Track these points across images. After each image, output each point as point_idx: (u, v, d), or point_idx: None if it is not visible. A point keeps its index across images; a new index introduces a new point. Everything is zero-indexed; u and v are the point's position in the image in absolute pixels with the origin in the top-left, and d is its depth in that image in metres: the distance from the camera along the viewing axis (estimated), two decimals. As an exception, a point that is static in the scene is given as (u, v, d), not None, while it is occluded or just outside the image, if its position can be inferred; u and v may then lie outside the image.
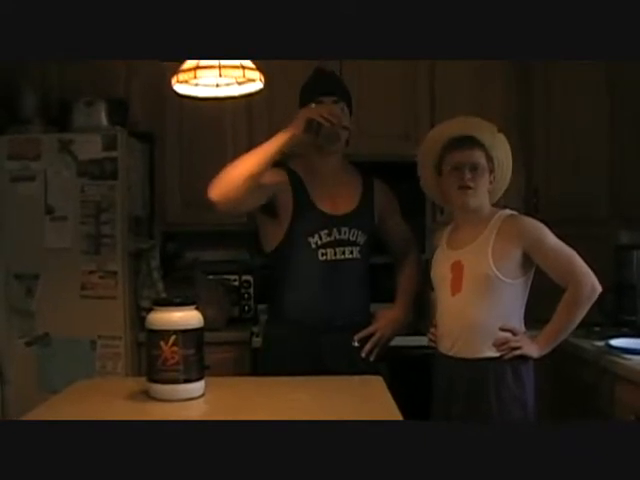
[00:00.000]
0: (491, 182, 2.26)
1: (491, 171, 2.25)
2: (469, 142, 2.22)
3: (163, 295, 3.08)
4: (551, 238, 2.17)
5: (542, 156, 3.31)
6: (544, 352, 2.20)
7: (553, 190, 3.27)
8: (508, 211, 2.27)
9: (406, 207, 2.58)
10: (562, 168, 3.25)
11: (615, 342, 2.63)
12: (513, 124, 3.27)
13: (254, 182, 2.19)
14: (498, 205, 2.33)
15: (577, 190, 3.19)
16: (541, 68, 3.28)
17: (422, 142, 2.34)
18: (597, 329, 2.92)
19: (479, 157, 2.21)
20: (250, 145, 3.21)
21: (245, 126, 3.32)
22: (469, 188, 2.18)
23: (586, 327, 2.79)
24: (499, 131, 2.29)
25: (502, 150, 2.28)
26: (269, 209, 2.36)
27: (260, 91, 2.09)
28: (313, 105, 2.29)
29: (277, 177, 2.32)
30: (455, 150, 2.22)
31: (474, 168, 2.19)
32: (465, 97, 3.27)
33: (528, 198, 3.31)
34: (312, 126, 2.21)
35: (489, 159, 2.23)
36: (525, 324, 2.26)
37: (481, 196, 2.23)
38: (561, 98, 3.26)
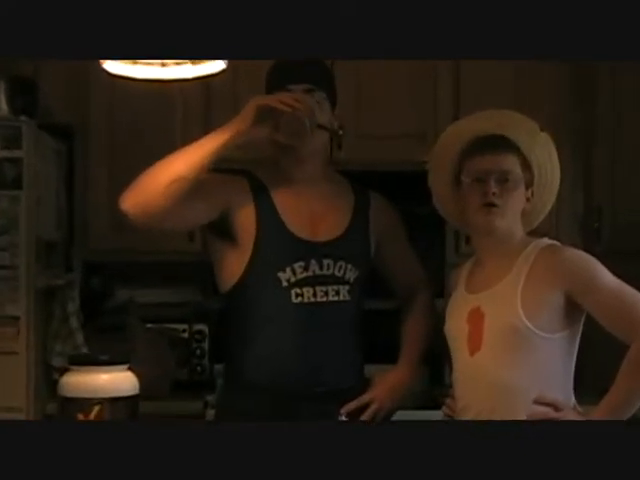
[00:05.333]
0: (528, 199, 2.24)
1: (528, 185, 2.23)
2: (498, 144, 2.21)
3: (84, 350, 3.13)
4: (607, 277, 2.14)
5: (606, 168, 3.40)
6: None
7: (620, 212, 3.36)
8: (547, 240, 2.25)
9: (418, 233, 2.58)
10: (632, 184, 3.33)
11: None
12: (565, 120, 3.34)
13: (182, 190, 2.18)
14: (540, 233, 2.32)
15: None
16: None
17: (436, 143, 2.34)
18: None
19: (511, 164, 2.20)
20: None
21: (201, 118, 3.33)
22: (494, 206, 2.17)
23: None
24: (542, 130, 2.26)
25: (546, 156, 2.26)
26: (221, 229, 2.33)
27: (222, 72, 2.09)
28: None
29: (232, 186, 2.31)
30: (479, 154, 2.20)
31: (503, 179, 2.18)
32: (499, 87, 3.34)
33: (588, 222, 3.37)
34: (268, 117, 2.18)
35: (526, 167, 2.22)
36: (576, 395, 2.21)
37: (511, 218, 2.21)
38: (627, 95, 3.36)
